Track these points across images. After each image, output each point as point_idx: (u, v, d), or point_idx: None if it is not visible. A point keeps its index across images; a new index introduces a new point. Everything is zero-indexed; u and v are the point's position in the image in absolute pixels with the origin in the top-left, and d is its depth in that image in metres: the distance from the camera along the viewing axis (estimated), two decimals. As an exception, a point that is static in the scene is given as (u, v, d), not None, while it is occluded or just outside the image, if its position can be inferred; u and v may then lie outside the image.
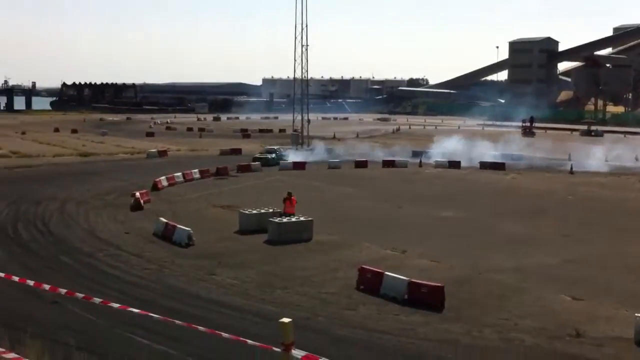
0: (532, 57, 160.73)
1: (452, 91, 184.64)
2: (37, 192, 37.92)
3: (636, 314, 16.60)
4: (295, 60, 74.70)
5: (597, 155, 60.81)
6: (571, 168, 54.94)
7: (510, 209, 36.54)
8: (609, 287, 21.35)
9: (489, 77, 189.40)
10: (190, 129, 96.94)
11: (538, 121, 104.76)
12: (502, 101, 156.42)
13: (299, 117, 75.57)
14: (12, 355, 6.78)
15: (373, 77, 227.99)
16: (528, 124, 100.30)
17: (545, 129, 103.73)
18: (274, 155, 57.63)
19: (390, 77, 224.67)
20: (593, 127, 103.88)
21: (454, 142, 69.27)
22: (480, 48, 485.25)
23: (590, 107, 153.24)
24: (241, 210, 30.04)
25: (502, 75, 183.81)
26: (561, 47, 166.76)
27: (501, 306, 19.06)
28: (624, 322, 17.37)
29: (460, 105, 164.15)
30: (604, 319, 18.07)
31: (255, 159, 55.12)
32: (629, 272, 23.40)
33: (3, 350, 6.97)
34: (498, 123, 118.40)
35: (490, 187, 45.95)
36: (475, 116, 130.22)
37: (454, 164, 56.80)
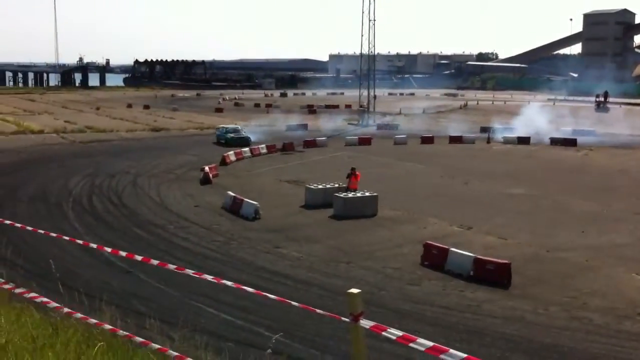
0: (607, 30, 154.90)
1: (522, 65, 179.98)
2: (110, 166, 39.19)
3: None
4: (362, 35, 74.35)
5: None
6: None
7: (582, 186, 35.66)
8: (683, 267, 20.70)
9: (561, 51, 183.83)
10: (257, 105, 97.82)
11: (613, 96, 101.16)
12: (575, 75, 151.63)
13: (365, 93, 75.29)
14: (92, 320, 7.15)
15: (441, 52, 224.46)
16: (602, 99, 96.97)
17: (620, 103, 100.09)
18: (234, 134, 51.27)
19: (459, 51, 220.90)
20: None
21: (523, 118, 67.76)
22: (553, 21, 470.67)
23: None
24: (307, 185, 30.35)
25: (575, 49, 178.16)
26: (638, 19, 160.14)
27: (569, 284, 18.75)
28: (699, 303, 16.86)
29: (531, 79, 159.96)
30: (677, 299, 17.58)
31: (236, 140, 49.67)
32: None
33: (83, 315, 7.35)
34: (570, 98, 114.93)
35: (561, 163, 44.88)
36: (546, 91, 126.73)
37: (523, 140, 55.66)
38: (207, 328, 13.04)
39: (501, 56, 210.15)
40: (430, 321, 15.70)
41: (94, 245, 8.99)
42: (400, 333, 4.85)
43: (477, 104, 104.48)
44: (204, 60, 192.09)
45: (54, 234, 10.33)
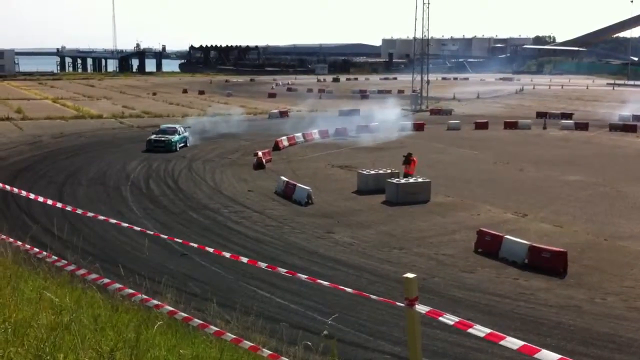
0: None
1: (580, 49, 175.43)
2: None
3: None
4: (415, 18, 73.56)
5: None
6: None
7: (642, 173, 34.69)
8: None
9: (621, 34, 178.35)
10: (310, 90, 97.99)
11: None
12: (635, 59, 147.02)
13: (419, 78, 74.60)
14: (154, 302, 7.34)
15: (496, 36, 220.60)
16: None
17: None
18: (176, 137, 41.19)
19: (515, 35, 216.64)
20: None
21: (578, 103, 66.15)
22: (612, 2, 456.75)
23: None
24: (359, 171, 30.35)
25: (636, 32, 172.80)
26: None
27: (627, 274, 18.36)
28: None
29: (589, 63, 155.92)
30: None
31: (153, 144, 40.15)
32: None
33: (147, 297, 7.55)
34: (630, 82, 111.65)
35: (620, 150, 43.73)
36: (605, 75, 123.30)
37: (581, 126, 54.38)
38: (261, 311, 13.23)
39: (559, 39, 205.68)
40: (483, 309, 15.59)
41: (151, 233, 9.23)
42: (456, 319, 4.85)
43: (534, 88, 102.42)
44: (258, 46, 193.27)
45: (113, 221, 10.61)
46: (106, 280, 8.63)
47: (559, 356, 4.24)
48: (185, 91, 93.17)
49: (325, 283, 7.15)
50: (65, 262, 9.63)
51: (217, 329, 6.89)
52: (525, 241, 19.53)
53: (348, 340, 13.08)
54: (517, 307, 15.77)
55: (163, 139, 40.14)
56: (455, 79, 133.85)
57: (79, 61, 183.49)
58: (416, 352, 5.24)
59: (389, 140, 46.14)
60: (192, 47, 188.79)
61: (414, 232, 22.66)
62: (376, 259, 19.53)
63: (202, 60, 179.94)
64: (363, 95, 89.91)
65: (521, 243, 19.41)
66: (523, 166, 36.22)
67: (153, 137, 40.57)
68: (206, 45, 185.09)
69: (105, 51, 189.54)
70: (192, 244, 8.91)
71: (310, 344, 6.95)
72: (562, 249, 18.95)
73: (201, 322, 7.11)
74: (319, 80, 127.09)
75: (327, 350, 9.02)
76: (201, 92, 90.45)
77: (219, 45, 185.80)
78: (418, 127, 53.03)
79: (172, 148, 39.75)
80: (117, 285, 8.22)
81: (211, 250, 8.49)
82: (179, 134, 41.65)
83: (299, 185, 27.57)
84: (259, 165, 34.72)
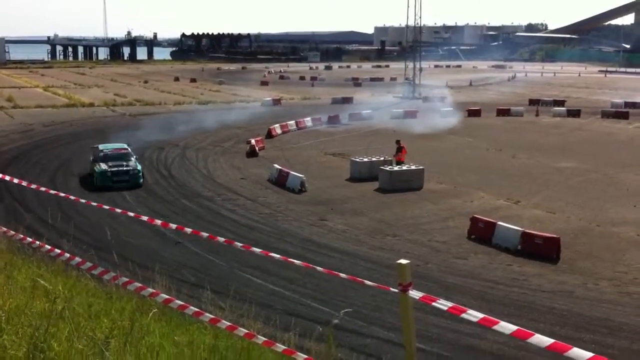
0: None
1: (573, 36, 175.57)
2: (159, 138, 39.68)
3: None
4: (408, 6, 73.40)
5: None
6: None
7: (633, 159, 34.80)
8: None
9: (614, 22, 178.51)
10: (302, 78, 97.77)
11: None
12: (627, 46, 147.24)
13: (411, 65, 74.50)
14: (149, 290, 7.33)
15: (488, 23, 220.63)
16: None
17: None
18: (136, 162, 28.19)
19: (507, 22, 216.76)
20: None
21: (570, 90, 66.29)
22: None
23: None
24: (352, 158, 30.34)
25: (629, 19, 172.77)
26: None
27: (620, 259, 18.45)
28: None
29: (581, 51, 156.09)
30: None
31: (111, 178, 26.75)
32: None
33: (140, 285, 7.54)
34: (622, 69, 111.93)
35: (612, 137, 43.86)
36: (597, 62, 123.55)
37: (573, 113, 54.48)
38: (255, 298, 13.24)
39: (551, 27, 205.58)
40: (477, 295, 15.65)
41: (145, 218, 9.19)
42: (450, 304, 4.85)
43: (526, 75, 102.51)
44: (250, 34, 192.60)
45: (106, 207, 10.56)
46: (100, 269, 8.62)
47: (552, 340, 4.25)
48: (176, 79, 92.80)
49: (320, 269, 7.16)
50: (58, 251, 9.60)
51: (212, 316, 6.88)
52: (518, 227, 19.60)
53: (342, 326, 13.10)
54: (511, 293, 15.84)
55: (125, 169, 27.25)
56: (448, 66, 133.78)
57: (70, 49, 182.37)
58: (410, 337, 5.26)
59: (381, 127, 46.10)
60: (183, 35, 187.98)
61: (407, 219, 22.69)
62: (370, 245, 19.56)
63: (194, 48, 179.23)
64: (356, 83, 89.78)
65: (514, 229, 19.47)
66: (516, 153, 36.29)
67: (104, 167, 27.18)
68: (198, 33, 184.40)
69: (97, 39, 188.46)
70: (186, 229, 8.91)
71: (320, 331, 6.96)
72: (554, 235, 19.02)
73: (196, 309, 7.11)
74: (311, 68, 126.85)
75: (322, 337, 9.06)
76: (193, 80, 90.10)
77: (210, 33, 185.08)
78: (411, 114, 52.99)
79: (140, 181, 27.21)
80: (112, 274, 8.20)
81: (205, 235, 8.49)
82: (134, 157, 29.01)
83: (292, 172, 27.55)
84: (252, 153, 34.65)
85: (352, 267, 17.14)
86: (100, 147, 29.40)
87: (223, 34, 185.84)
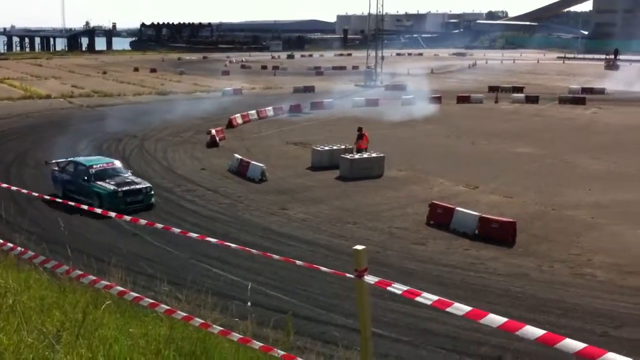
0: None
1: (532, 24, 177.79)
2: (117, 129, 39.18)
3: None
4: (368, -6, 73.40)
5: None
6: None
7: (589, 144, 35.51)
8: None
9: (572, 9, 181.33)
10: (264, 67, 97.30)
11: (624, 53, 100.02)
12: (585, 33, 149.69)
13: (373, 54, 74.69)
14: (104, 282, 7.28)
15: (450, 11, 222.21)
16: (612, 57, 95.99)
17: (631, 61, 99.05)
18: (134, 184, 23.00)
19: (469, 10, 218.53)
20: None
21: (529, 76, 67.24)
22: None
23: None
24: (313, 147, 30.40)
25: (587, 6, 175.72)
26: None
27: (574, 242, 18.87)
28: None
29: (541, 38, 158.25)
30: (682, 256, 17.65)
31: (123, 199, 22.06)
32: None
33: (95, 277, 7.50)
34: (580, 56, 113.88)
35: (569, 122, 44.64)
36: (555, 49, 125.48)
37: (531, 99, 55.27)
38: (213, 288, 13.24)
39: (511, 14, 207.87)
40: (435, 279, 15.87)
41: (99, 211, 9.12)
42: (405, 287, 4.92)
43: (486, 63, 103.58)
44: (211, 23, 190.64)
45: (59, 200, 10.45)
46: (54, 262, 8.53)
47: (505, 319, 4.33)
48: (136, 69, 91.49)
49: (276, 257, 7.20)
50: (10, 245, 9.47)
51: (167, 307, 6.88)
52: (476, 213, 19.90)
53: (301, 314, 13.19)
54: (468, 277, 16.10)
55: (138, 187, 22.69)
56: (410, 54, 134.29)
57: (27, 40, 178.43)
58: (365, 322, 5.33)
59: (343, 116, 46.20)
60: (143, 25, 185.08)
61: (367, 206, 22.85)
62: (330, 233, 19.67)
63: (154, 38, 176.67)
64: (317, 72, 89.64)
65: (471, 214, 19.77)
66: (475, 139, 36.73)
67: (110, 187, 22.33)
68: (158, 23, 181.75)
69: (54, 30, 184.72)
70: (141, 220, 8.86)
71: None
72: (511, 219, 19.37)
73: (151, 301, 7.09)
74: (273, 57, 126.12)
75: (279, 325, 9.11)
76: (153, 70, 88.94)
77: (171, 23, 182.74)
78: (373, 102, 53.19)
79: (152, 200, 22.76)
80: (65, 268, 8.13)
81: (160, 226, 8.46)
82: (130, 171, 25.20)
83: (253, 162, 27.50)
84: (213, 144, 34.46)
85: (312, 255, 17.21)
86: (82, 160, 24.46)
87: (184, 23, 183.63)
